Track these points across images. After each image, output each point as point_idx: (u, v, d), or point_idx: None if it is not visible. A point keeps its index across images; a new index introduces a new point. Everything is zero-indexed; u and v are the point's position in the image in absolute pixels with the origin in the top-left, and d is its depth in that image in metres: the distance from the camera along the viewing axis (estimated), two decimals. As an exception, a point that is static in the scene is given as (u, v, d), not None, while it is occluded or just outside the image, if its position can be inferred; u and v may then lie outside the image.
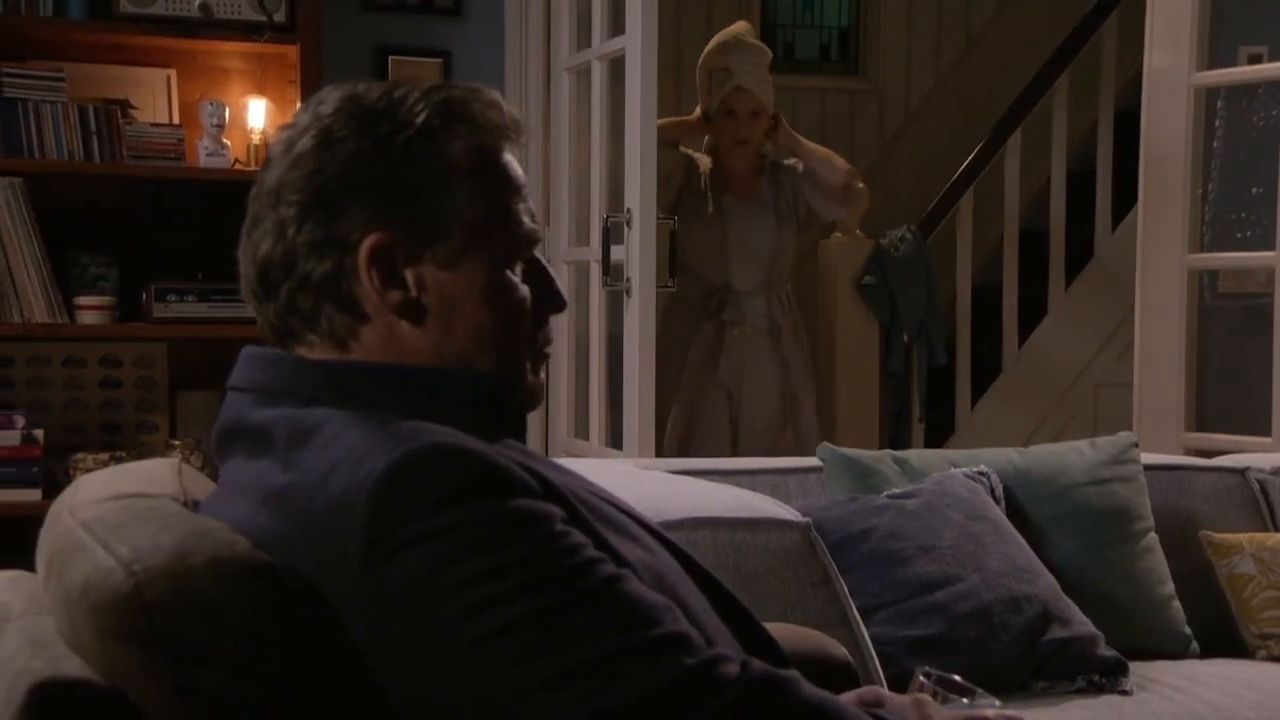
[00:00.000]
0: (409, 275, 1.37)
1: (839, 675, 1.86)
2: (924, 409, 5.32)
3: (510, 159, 1.45)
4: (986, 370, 5.62)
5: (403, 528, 1.23)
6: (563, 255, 4.33)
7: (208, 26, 3.89)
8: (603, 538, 1.33)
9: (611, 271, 3.89)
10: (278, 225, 1.37)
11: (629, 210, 3.76)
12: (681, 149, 4.65)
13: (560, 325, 4.25)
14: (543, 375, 1.51)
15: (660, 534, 1.52)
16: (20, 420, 3.75)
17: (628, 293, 3.76)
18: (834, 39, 6.72)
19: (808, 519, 2.45)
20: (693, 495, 2.48)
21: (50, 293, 3.77)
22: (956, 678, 1.61)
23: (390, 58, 4.34)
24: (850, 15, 6.73)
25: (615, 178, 3.93)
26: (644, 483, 2.60)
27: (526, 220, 1.44)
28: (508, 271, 1.42)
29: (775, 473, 2.97)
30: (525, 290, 1.44)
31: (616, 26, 3.94)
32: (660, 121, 4.24)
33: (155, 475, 1.57)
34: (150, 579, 1.23)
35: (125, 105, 3.98)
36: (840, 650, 1.93)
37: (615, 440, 3.95)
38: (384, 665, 1.25)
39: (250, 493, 1.36)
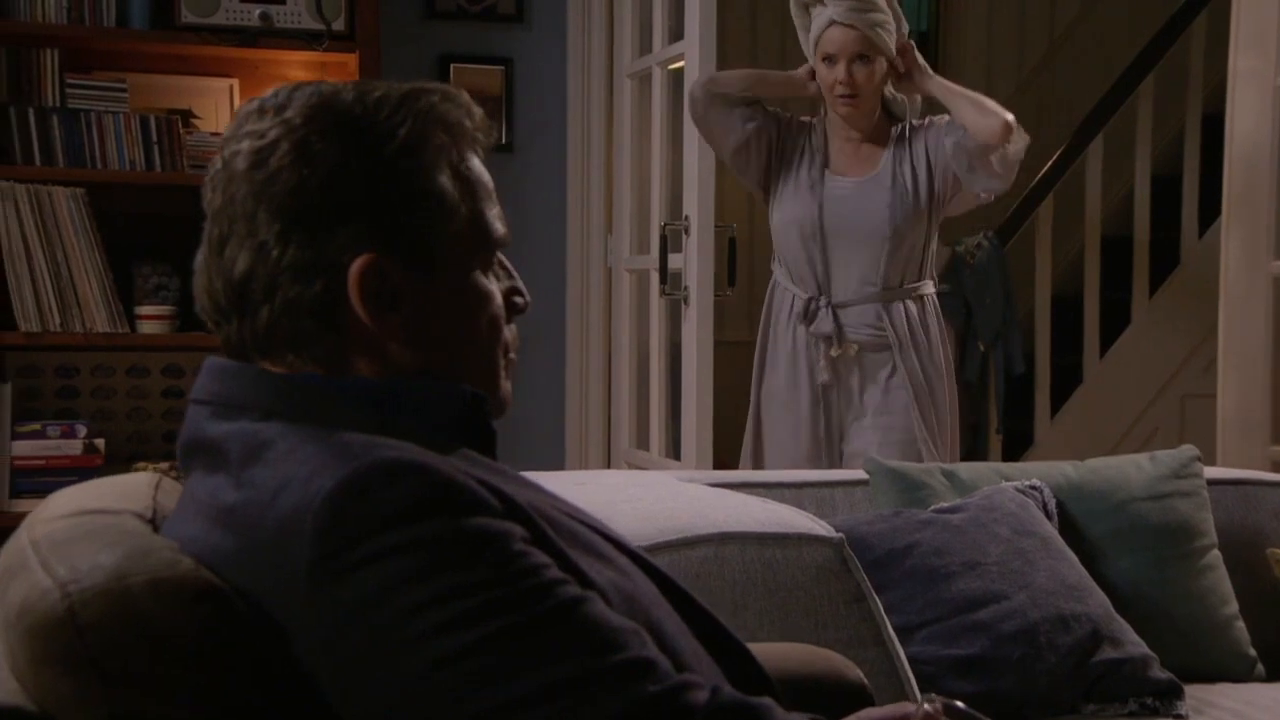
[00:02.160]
0: (398, 295, 1.33)
1: (853, 698, 1.80)
2: (1001, 420, 5.20)
3: (479, 162, 1.41)
4: (1067, 381, 5.49)
5: (353, 547, 1.18)
6: (624, 263, 4.29)
7: (268, 36, 3.90)
8: (569, 558, 1.28)
9: (669, 280, 3.84)
10: (257, 246, 1.31)
11: (687, 217, 3.72)
12: (770, 108, 3.65)
13: (621, 334, 4.21)
14: (510, 385, 1.47)
15: (636, 554, 1.47)
16: (83, 430, 3.78)
17: (685, 301, 3.71)
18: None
19: (840, 534, 2.37)
20: (723, 509, 2.41)
21: (111, 303, 3.79)
22: (960, 704, 1.53)
23: (452, 65, 4.32)
24: (929, 18, 6.61)
25: (676, 185, 3.88)
26: (678, 496, 2.53)
27: (499, 225, 1.41)
28: (484, 280, 1.39)
29: (820, 486, 2.89)
30: (499, 297, 1.41)
31: (677, 32, 3.89)
32: (734, 73, 3.68)
33: (129, 490, 1.53)
34: (85, 600, 1.20)
35: (188, 115, 4.01)
36: (855, 672, 1.86)
37: (676, 451, 3.89)
38: (335, 689, 1.21)
39: (204, 510, 1.32)
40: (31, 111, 3.76)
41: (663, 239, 3.85)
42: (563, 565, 1.26)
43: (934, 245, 3.68)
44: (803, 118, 3.69)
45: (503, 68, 4.36)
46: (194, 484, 1.37)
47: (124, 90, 3.87)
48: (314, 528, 1.19)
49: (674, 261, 3.83)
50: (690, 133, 3.70)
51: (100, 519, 1.38)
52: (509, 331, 1.44)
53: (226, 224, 1.33)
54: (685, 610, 1.44)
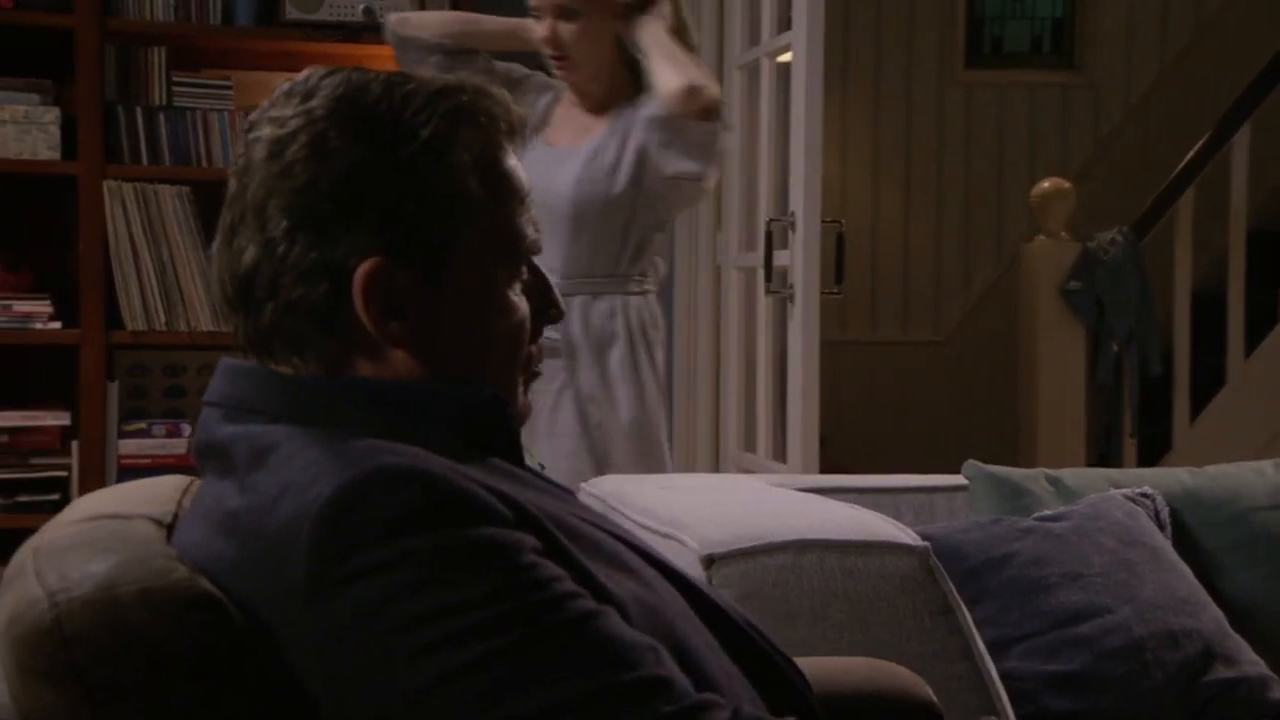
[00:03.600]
0: (405, 302, 1.27)
1: (920, 716, 1.73)
2: (1136, 424, 5.02)
3: (514, 163, 1.34)
4: (1209, 382, 5.26)
5: (349, 558, 1.13)
6: (732, 261, 4.20)
7: (371, 31, 3.86)
8: (586, 569, 1.22)
9: (774, 278, 3.74)
10: (265, 242, 1.26)
11: (792, 212, 3.62)
12: (499, 62, 3.15)
13: (729, 334, 4.12)
14: (529, 396, 1.41)
15: (666, 566, 1.39)
16: (187, 428, 3.80)
17: (791, 300, 3.62)
18: (1046, 30, 6.39)
19: (926, 543, 2.26)
20: (805, 515, 2.32)
21: (215, 302, 3.79)
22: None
23: (555, 58, 4.24)
24: (1065, 4, 6.39)
25: (784, 179, 3.78)
26: (762, 501, 2.46)
27: (530, 232, 1.34)
28: (507, 290, 1.32)
29: (920, 491, 2.80)
30: (525, 309, 1.34)
31: (787, 22, 3.78)
32: (433, 15, 3.21)
33: (156, 493, 1.51)
34: (73, 610, 1.16)
35: (294, 113, 3.99)
36: (923, 690, 1.78)
37: (784, 454, 3.79)
38: (331, 703, 1.16)
39: (210, 516, 1.28)
40: (139, 110, 3.78)
41: (767, 235, 3.76)
42: (578, 577, 1.19)
43: (652, 236, 3.06)
44: (549, 76, 3.14)
45: (609, 60, 4.27)
46: (204, 488, 1.34)
47: (229, 88, 3.88)
48: (311, 536, 1.14)
49: (780, 258, 3.73)
50: (797, 125, 3.60)
51: (110, 524, 1.35)
52: (535, 344, 1.38)
53: (238, 213, 1.29)
54: (719, 625, 1.37)
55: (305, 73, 1.33)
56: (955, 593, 2.26)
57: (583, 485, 2.65)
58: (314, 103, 1.27)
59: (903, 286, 6.12)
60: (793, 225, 3.60)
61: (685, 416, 4.32)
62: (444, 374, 1.30)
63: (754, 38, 4.06)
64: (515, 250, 1.32)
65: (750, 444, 4.10)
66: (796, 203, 3.60)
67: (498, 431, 1.33)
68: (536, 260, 1.38)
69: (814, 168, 3.56)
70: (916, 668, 2.12)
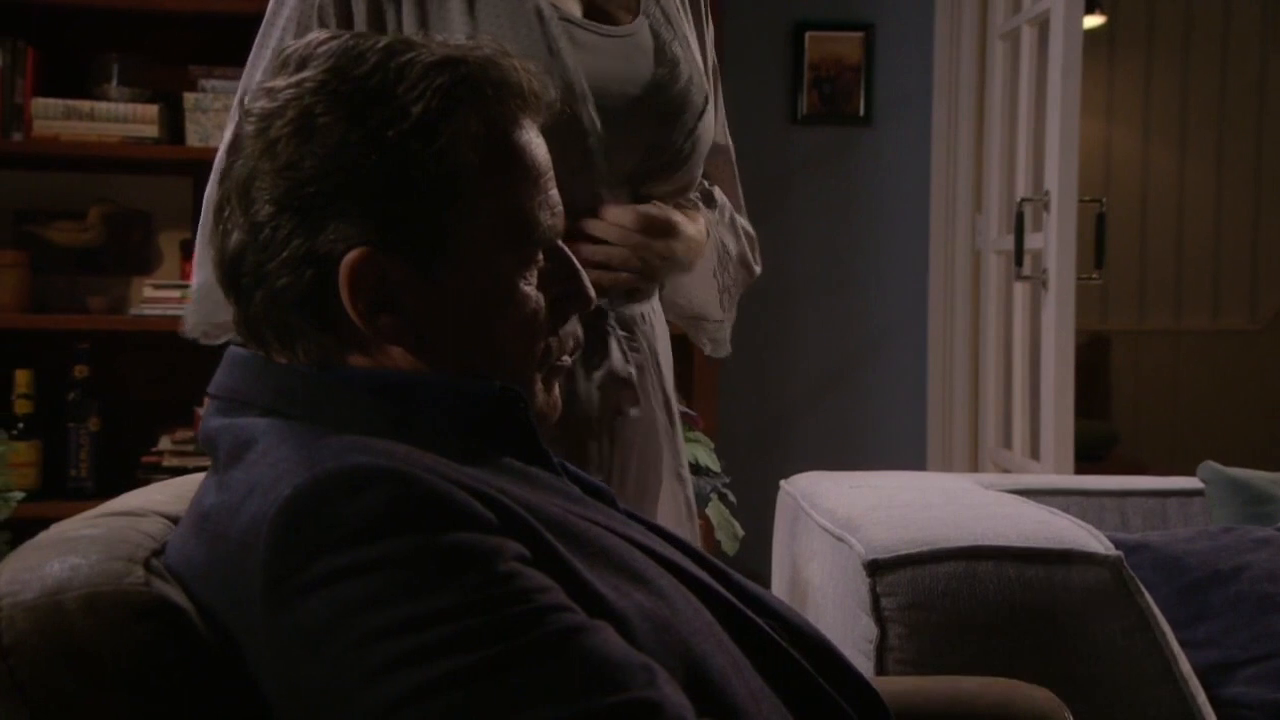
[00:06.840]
0: (397, 294, 1.17)
1: None
2: None
3: (528, 140, 1.22)
4: None
5: (308, 565, 1.05)
6: (991, 245, 3.94)
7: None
8: (582, 579, 1.11)
9: (1027, 262, 3.48)
10: (250, 227, 1.18)
11: (1047, 192, 3.36)
12: None
13: (988, 323, 3.89)
14: (556, 391, 1.28)
15: (694, 577, 1.25)
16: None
17: (1044, 286, 3.36)
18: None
19: (1118, 552, 2.03)
20: (988, 520, 2.13)
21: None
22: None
23: (807, 33, 4.06)
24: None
25: (1042, 156, 3.52)
26: (949, 503, 2.28)
27: (545, 218, 1.23)
28: (518, 280, 1.21)
29: (1151, 495, 2.56)
30: (538, 300, 1.23)
31: (1050, -16, 3.51)
32: None
33: (189, 490, 1.45)
34: (14, 617, 1.10)
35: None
36: (1062, 715, 1.59)
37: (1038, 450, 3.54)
38: None
39: (191, 514, 1.21)
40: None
41: (1018, 216, 3.50)
42: (572, 587, 1.09)
43: None
44: None
45: (862, 34, 4.06)
46: (200, 485, 1.26)
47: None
48: (267, 542, 1.06)
49: (1034, 241, 3.47)
50: (1053, 95, 3.33)
51: (114, 521, 1.30)
52: (557, 337, 1.26)
53: (225, 193, 1.21)
54: (754, 643, 1.24)
55: (307, 38, 1.24)
56: (1154, 607, 2.05)
57: (781, 483, 2.54)
58: (306, 73, 1.18)
59: (1212, 270, 5.67)
60: (1046, 205, 3.35)
61: (940, 411, 4.08)
62: (443, 370, 1.20)
63: (1017, 4, 3.80)
64: (525, 236, 1.21)
65: (1008, 440, 3.85)
66: (1051, 181, 3.35)
67: (510, 428, 1.22)
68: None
69: (1070, 143, 3.30)
70: (1106, 690, 1.94)
